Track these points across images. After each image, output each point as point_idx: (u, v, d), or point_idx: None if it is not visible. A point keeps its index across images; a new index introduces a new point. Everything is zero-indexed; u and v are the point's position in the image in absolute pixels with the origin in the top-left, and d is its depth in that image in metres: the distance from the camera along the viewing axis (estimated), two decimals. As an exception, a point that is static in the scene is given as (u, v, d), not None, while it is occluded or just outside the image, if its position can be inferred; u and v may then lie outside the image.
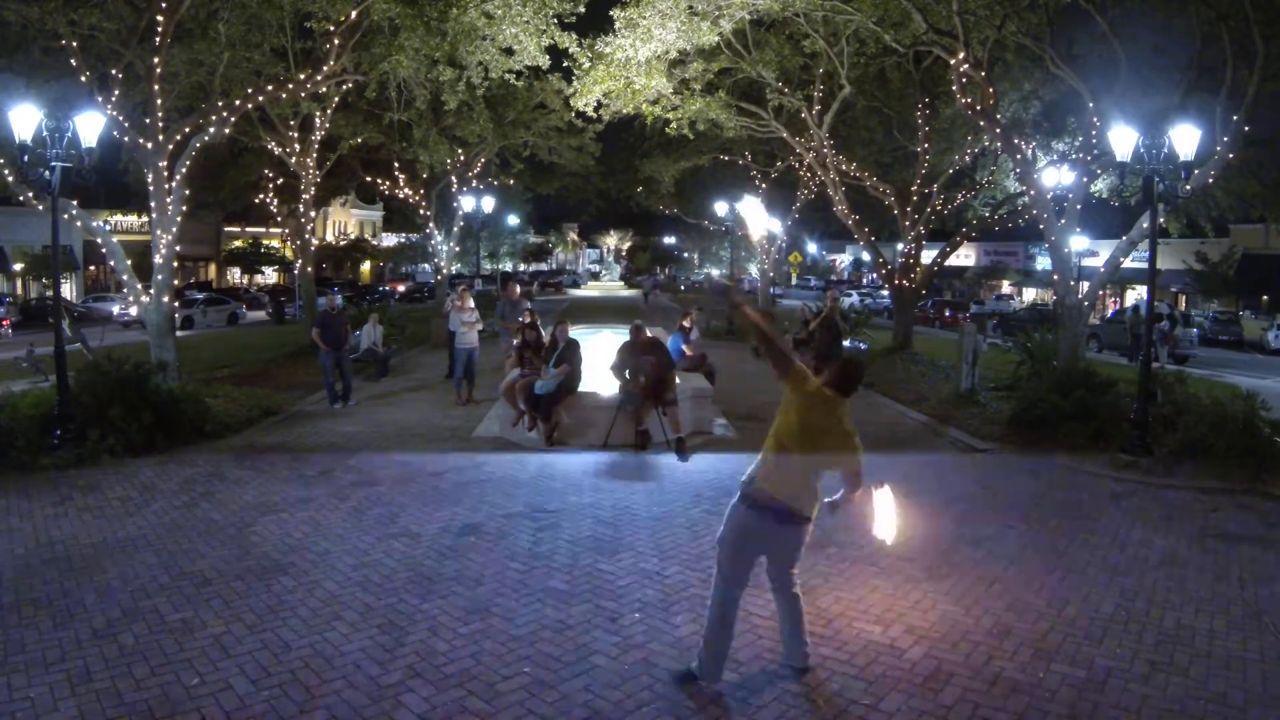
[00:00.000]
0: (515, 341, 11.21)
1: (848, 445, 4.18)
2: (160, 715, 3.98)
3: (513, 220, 60.15)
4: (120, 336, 22.20)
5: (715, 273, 57.00)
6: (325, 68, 13.70)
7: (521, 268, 73.47)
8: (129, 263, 12.07)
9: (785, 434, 4.11)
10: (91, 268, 39.96)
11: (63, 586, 5.47)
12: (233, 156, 23.00)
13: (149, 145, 11.70)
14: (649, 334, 10.12)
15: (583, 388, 9.95)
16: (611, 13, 13.87)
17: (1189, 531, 6.96)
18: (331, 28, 13.34)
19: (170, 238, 11.97)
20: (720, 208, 31.04)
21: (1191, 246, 35.20)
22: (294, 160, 19.34)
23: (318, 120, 18.31)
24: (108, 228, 18.27)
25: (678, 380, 9.87)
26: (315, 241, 26.62)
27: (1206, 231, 22.10)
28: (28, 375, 13.89)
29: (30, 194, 10.67)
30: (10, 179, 11.03)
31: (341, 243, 57.81)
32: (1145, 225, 10.68)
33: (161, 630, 4.85)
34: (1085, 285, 12.86)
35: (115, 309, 30.61)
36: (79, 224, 12.10)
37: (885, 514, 4.44)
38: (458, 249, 30.14)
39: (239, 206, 30.84)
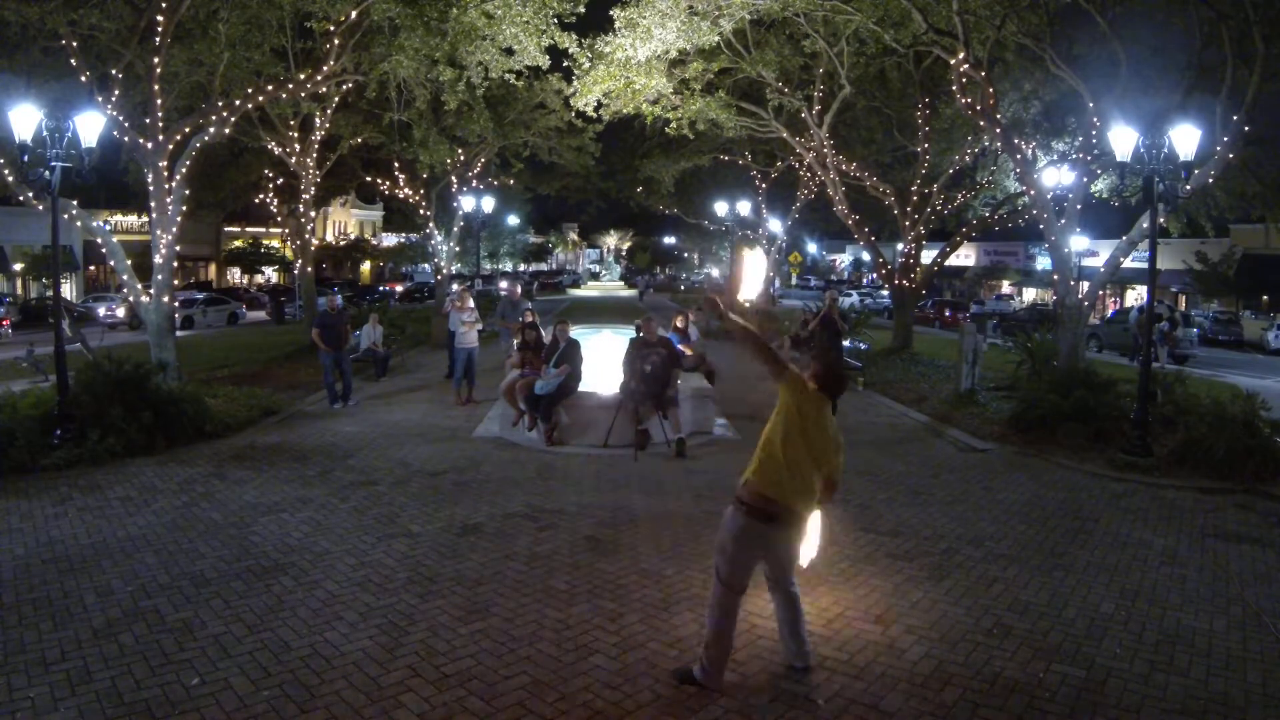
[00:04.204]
0: (515, 341, 11.22)
1: (836, 446, 4.20)
2: (160, 715, 3.98)
3: (513, 220, 60.22)
4: (112, 337, 22.16)
5: (714, 273, 55.41)
6: (325, 68, 13.70)
7: (522, 268, 73.48)
8: (129, 263, 12.07)
9: (786, 437, 4.08)
10: (91, 268, 39.97)
11: (63, 586, 5.47)
12: (233, 156, 22.99)
13: (149, 145, 11.70)
14: (658, 331, 10.09)
15: (583, 388, 9.95)
16: (611, 13, 13.87)
17: (1189, 531, 6.96)
18: (331, 28, 13.34)
19: (170, 238, 11.97)
20: (720, 208, 31.03)
21: (1191, 246, 35.18)
22: (294, 160, 19.35)
23: (318, 120, 18.31)
24: (108, 228, 18.25)
25: (678, 380, 9.87)
26: (315, 241, 26.66)
27: (1206, 231, 22.05)
28: (28, 375, 13.89)
29: (30, 194, 10.67)
30: (10, 179, 11.03)
31: (341, 243, 57.81)
32: (1145, 225, 10.68)
33: (161, 630, 4.84)
34: (1085, 285, 12.85)
35: (101, 310, 30.35)
36: (79, 224, 12.10)
37: (813, 536, 4.43)
38: (458, 249, 30.13)
39: (239, 206, 30.84)
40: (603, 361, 10.64)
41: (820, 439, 4.11)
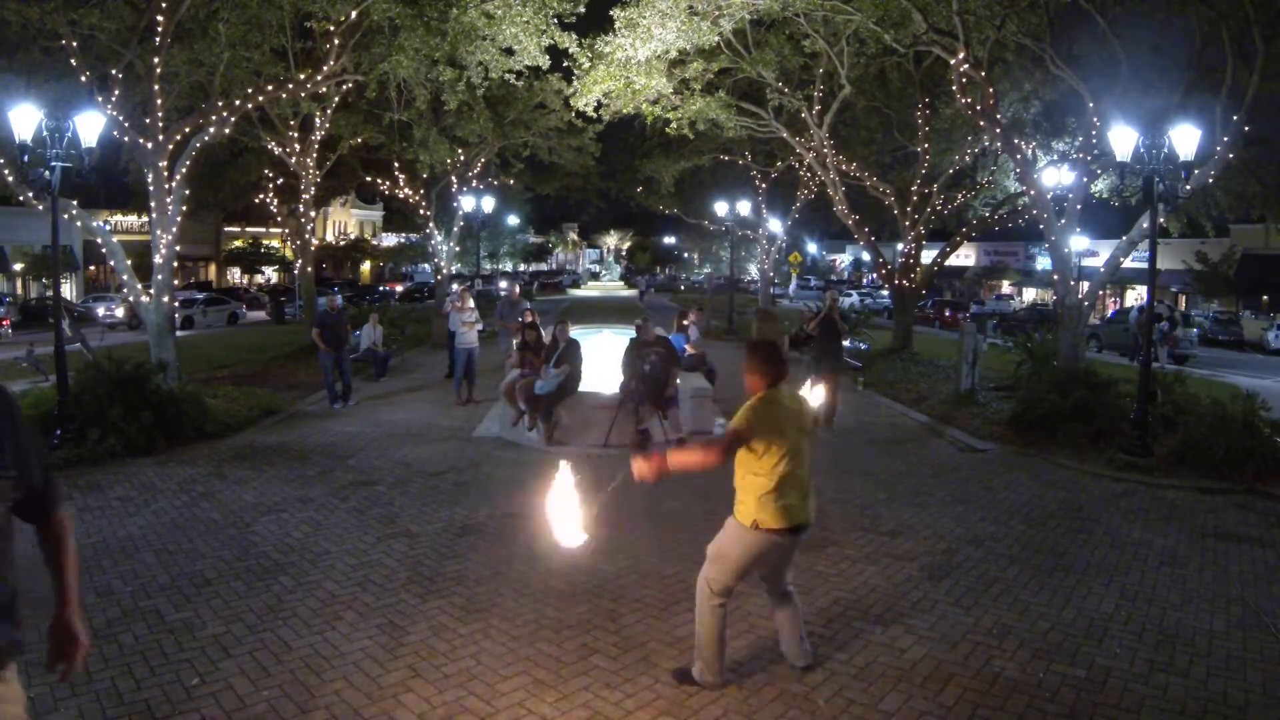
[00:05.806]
0: (515, 341, 11.22)
1: (811, 428, 4.23)
2: (160, 715, 3.98)
3: (513, 220, 60.21)
4: (112, 337, 22.14)
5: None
6: (325, 68, 13.69)
7: (521, 267, 73.47)
8: (129, 263, 12.06)
9: (784, 461, 3.97)
10: (91, 268, 39.96)
11: (63, 586, 5.47)
12: (233, 156, 22.96)
13: (149, 145, 11.70)
14: (656, 331, 10.11)
15: (583, 388, 9.95)
16: (611, 13, 13.86)
17: (1189, 531, 6.96)
18: (331, 28, 13.32)
19: (170, 238, 11.96)
20: (720, 208, 30.99)
21: (1191, 246, 35.19)
22: (294, 160, 19.33)
23: (318, 120, 18.29)
24: (108, 228, 18.24)
25: (678, 380, 9.87)
26: (315, 241, 26.61)
27: (1206, 231, 22.08)
28: (28, 375, 13.89)
29: (30, 194, 10.66)
30: (10, 179, 11.03)
31: (341, 243, 57.79)
32: (1145, 225, 10.68)
33: (161, 630, 4.85)
34: (1085, 285, 12.84)
35: (101, 310, 30.22)
36: (79, 224, 12.09)
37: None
38: (458, 249, 30.11)
39: (239, 206, 30.77)
40: (603, 361, 10.65)
41: (806, 438, 4.12)
